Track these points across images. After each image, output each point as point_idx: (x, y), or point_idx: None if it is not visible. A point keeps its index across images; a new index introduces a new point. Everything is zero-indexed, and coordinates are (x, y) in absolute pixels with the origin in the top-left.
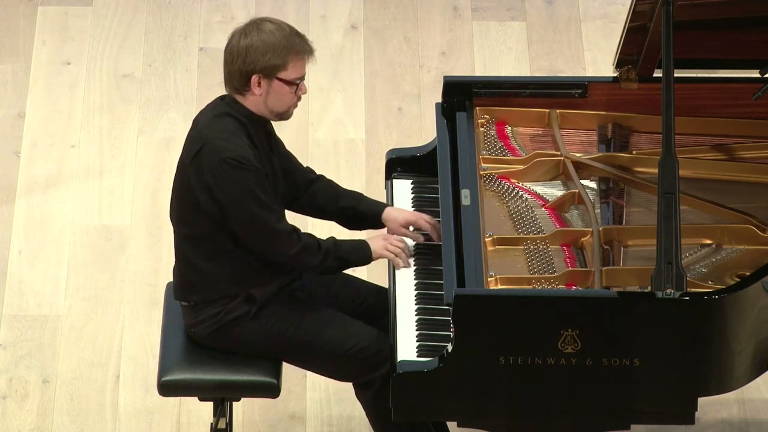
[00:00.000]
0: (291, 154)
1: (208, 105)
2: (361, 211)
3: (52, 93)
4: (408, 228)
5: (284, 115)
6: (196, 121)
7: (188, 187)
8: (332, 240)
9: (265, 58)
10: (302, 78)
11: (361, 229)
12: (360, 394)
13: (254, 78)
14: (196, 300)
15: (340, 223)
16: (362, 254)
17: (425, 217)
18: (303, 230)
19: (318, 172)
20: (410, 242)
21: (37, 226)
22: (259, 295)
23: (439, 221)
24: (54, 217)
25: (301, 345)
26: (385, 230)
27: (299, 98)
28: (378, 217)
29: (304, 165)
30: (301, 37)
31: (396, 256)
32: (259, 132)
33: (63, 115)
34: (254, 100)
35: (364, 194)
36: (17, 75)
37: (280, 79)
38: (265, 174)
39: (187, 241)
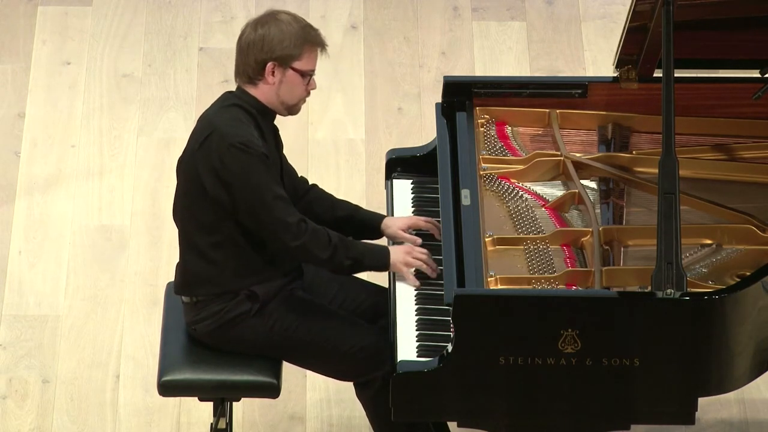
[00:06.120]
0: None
1: (215, 101)
2: (358, 219)
3: (52, 93)
4: (407, 232)
5: (293, 109)
6: (203, 115)
7: (196, 174)
8: (349, 238)
9: (282, 46)
10: (313, 72)
11: (357, 239)
12: (360, 393)
13: (269, 66)
14: (199, 295)
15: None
16: (379, 259)
17: (422, 218)
18: None
19: (318, 173)
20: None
21: (37, 226)
22: (261, 292)
23: (438, 221)
24: (54, 217)
25: (302, 344)
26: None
27: (309, 93)
28: (376, 225)
29: (304, 165)
30: (315, 30)
31: (421, 264)
32: (267, 125)
33: (63, 115)
34: (266, 90)
35: (361, 204)
36: (17, 75)
37: (295, 69)
38: (273, 162)
39: (194, 230)
